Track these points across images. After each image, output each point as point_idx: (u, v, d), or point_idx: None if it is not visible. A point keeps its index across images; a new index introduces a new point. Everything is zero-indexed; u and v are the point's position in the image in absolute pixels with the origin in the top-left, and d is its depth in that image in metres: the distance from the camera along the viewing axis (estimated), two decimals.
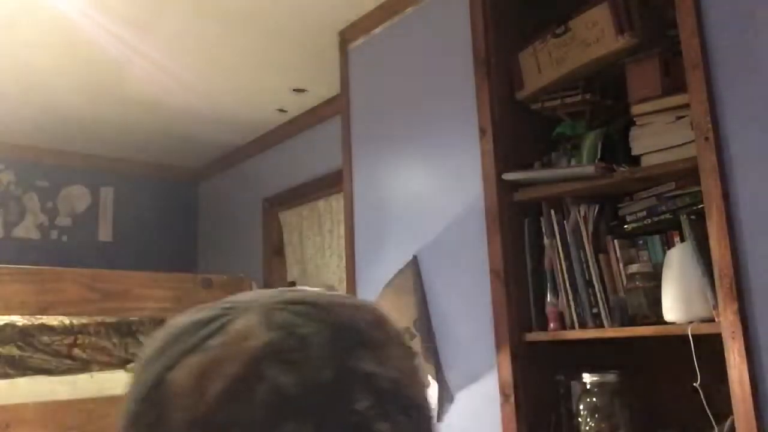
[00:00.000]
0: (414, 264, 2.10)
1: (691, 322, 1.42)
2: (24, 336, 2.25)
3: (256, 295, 0.47)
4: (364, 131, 2.43)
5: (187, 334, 0.43)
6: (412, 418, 0.42)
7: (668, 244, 1.59)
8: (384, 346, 0.44)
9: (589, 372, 1.66)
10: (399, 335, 0.47)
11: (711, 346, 1.40)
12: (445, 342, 1.99)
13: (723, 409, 1.39)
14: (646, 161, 1.57)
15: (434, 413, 0.43)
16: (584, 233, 1.69)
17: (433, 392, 1.98)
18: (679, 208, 1.56)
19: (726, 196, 1.37)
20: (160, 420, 0.40)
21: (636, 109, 1.60)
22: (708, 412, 1.41)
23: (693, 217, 1.49)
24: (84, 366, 2.35)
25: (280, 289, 0.49)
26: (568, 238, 1.71)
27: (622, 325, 1.58)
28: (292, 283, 3.50)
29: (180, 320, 0.45)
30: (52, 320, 2.30)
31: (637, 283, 1.56)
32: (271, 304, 0.44)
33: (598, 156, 1.66)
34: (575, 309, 1.68)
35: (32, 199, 3.89)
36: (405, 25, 2.29)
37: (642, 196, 1.66)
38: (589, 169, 1.63)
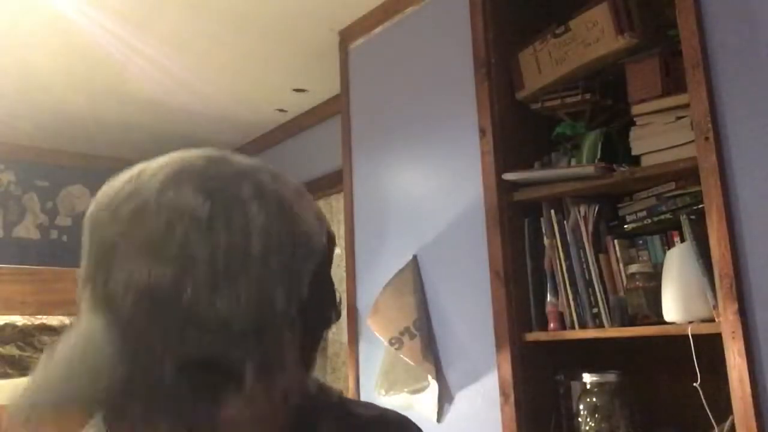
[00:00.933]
0: (414, 264, 2.10)
1: (691, 322, 1.42)
2: (24, 336, 2.25)
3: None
4: (364, 131, 2.43)
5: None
6: (283, 217, 0.56)
7: (668, 244, 1.59)
8: (279, 178, 0.61)
9: (589, 372, 1.66)
10: (295, 188, 0.64)
11: (711, 346, 1.40)
12: (445, 342, 1.99)
13: (723, 409, 1.39)
14: (646, 161, 1.57)
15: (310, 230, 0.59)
16: (584, 233, 1.69)
17: (432, 392, 1.98)
18: (679, 208, 1.56)
19: (726, 196, 1.37)
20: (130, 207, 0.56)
21: (636, 109, 1.60)
22: (708, 412, 1.41)
23: (693, 217, 1.49)
24: None
25: None
26: (568, 238, 1.71)
27: (622, 325, 1.58)
28: None
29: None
30: (52, 320, 2.30)
31: (637, 283, 1.56)
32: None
33: (598, 156, 1.66)
34: (575, 309, 1.68)
35: (32, 199, 3.89)
36: (405, 25, 2.29)
37: (642, 196, 1.65)
38: (589, 169, 1.63)
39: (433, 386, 1.98)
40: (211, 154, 0.59)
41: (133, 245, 0.52)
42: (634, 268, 1.58)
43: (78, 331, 0.54)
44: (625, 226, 1.67)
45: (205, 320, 0.50)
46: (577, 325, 1.67)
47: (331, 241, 0.62)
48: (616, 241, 1.65)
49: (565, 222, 1.72)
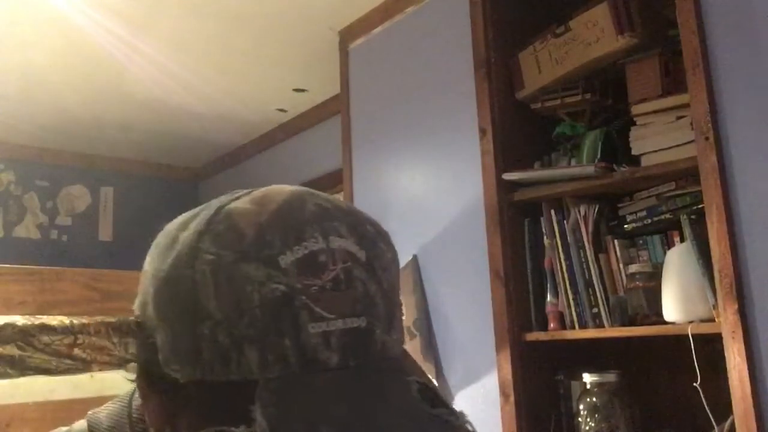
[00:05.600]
0: (414, 264, 2.10)
1: (691, 322, 1.42)
2: (24, 336, 2.25)
3: None
4: (364, 131, 2.43)
5: (221, 198, 0.54)
6: (393, 251, 0.55)
7: (668, 244, 1.59)
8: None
9: (589, 372, 1.66)
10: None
11: (711, 346, 1.40)
12: (445, 342, 1.99)
13: (723, 409, 1.39)
14: (646, 161, 1.57)
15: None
16: (584, 233, 1.69)
17: None
18: (679, 208, 1.56)
19: (726, 196, 1.37)
20: (229, 226, 0.48)
21: (636, 109, 1.60)
22: (708, 412, 1.41)
23: (693, 217, 1.49)
24: (84, 366, 2.35)
25: None
26: (568, 238, 1.71)
27: (622, 325, 1.58)
28: None
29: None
30: (52, 320, 2.30)
31: (637, 283, 1.56)
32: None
33: (598, 156, 1.66)
34: (575, 309, 1.68)
35: (32, 199, 3.89)
36: (405, 25, 2.29)
37: (642, 196, 1.66)
38: (589, 169, 1.63)
39: None
40: (323, 195, 0.55)
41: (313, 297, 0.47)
42: (634, 268, 1.58)
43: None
44: (625, 226, 1.67)
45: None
46: (577, 325, 1.67)
47: None
48: (616, 241, 1.66)
49: (565, 222, 1.72)
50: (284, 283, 0.46)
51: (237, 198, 0.52)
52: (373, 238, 0.52)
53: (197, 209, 0.55)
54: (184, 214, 0.56)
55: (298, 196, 0.51)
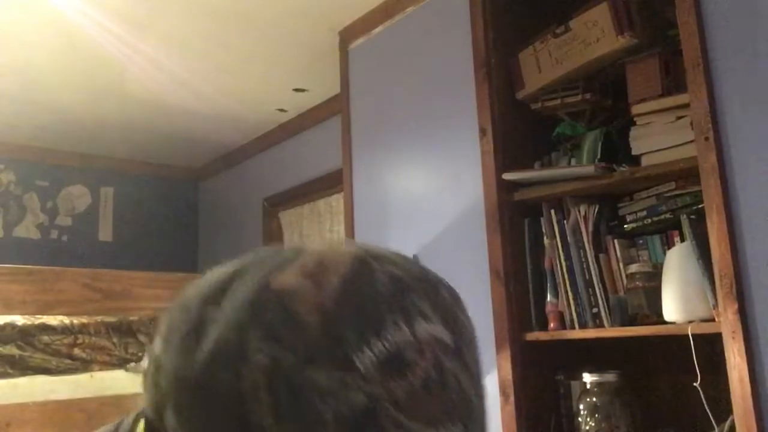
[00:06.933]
0: None
1: (691, 322, 1.42)
2: (24, 336, 2.25)
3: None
4: (364, 131, 2.43)
5: (258, 263, 0.42)
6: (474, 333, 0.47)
7: (668, 244, 1.59)
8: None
9: (589, 372, 1.66)
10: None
11: (711, 346, 1.40)
12: None
13: (723, 409, 1.39)
14: (646, 161, 1.57)
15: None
16: (584, 233, 1.69)
17: None
18: (679, 208, 1.56)
19: (726, 196, 1.37)
20: (284, 314, 0.37)
21: (636, 109, 1.60)
22: (708, 411, 1.41)
23: (693, 217, 1.49)
24: (84, 366, 2.35)
25: None
26: (568, 238, 1.71)
27: (622, 325, 1.58)
28: None
29: (224, 268, 0.44)
30: (52, 320, 2.31)
31: (637, 283, 1.56)
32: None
33: (598, 156, 1.66)
34: (575, 309, 1.68)
35: (32, 199, 3.89)
36: (405, 25, 2.29)
37: (642, 196, 1.65)
38: (589, 169, 1.63)
39: None
40: (388, 255, 0.45)
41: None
42: (634, 268, 1.58)
43: None
44: (625, 226, 1.67)
45: None
46: (577, 325, 1.67)
47: None
48: (616, 241, 1.65)
49: (565, 222, 1.72)
50: (365, 391, 0.35)
51: (282, 267, 0.41)
52: (453, 311, 0.44)
53: (224, 270, 0.43)
54: (206, 278, 0.43)
55: (362, 262, 0.41)
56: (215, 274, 0.43)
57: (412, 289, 0.41)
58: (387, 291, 0.40)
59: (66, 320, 2.36)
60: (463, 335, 0.44)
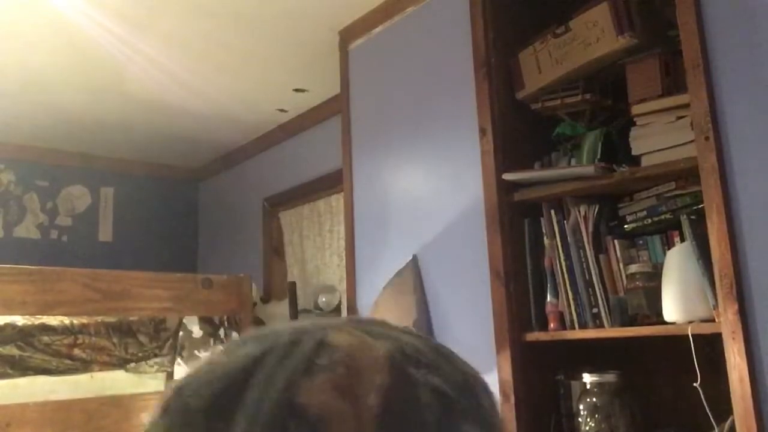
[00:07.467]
0: (414, 264, 2.10)
1: (691, 322, 1.42)
2: (24, 336, 2.25)
3: (306, 321, 0.42)
4: (364, 131, 2.43)
5: (276, 360, 0.35)
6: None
7: (668, 244, 1.59)
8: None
9: (589, 372, 1.66)
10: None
11: (711, 346, 1.40)
12: (445, 342, 1.97)
13: (723, 409, 1.39)
14: (646, 161, 1.57)
15: None
16: (584, 233, 1.69)
17: None
18: (679, 208, 1.56)
19: (726, 196, 1.37)
20: None
21: (636, 109, 1.60)
22: (708, 412, 1.41)
23: (693, 217, 1.49)
24: (84, 366, 2.35)
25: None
26: (568, 238, 1.71)
27: (622, 325, 1.58)
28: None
29: (236, 351, 0.37)
30: (52, 320, 2.30)
31: (637, 283, 1.56)
32: (340, 322, 0.40)
33: (598, 156, 1.66)
34: (575, 309, 1.68)
35: (32, 199, 3.89)
36: (405, 25, 2.29)
37: (642, 196, 1.65)
38: (589, 169, 1.63)
39: None
40: (422, 349, 0.40)
41: None
42: (634, 268, 1.58)
43: None
44: (625, 226, 1.67)
45: None
46: (577, 325, 1.67)
47: None
48: (616, 241, 1.65)
49: (565, 222, 1.72)
50: None
51: (308, 372, 0.34)
52: (493, 421, 0.39)
53: (231, 363, 0.36)
54: (207, 370, 0.36)
55: (400, 370, 0.35)
56: (219, 367, 0.36)
57: (458, 410, 0.36)
58: (433, 415, 0.35)
59: (66, 320, 2.36)
60: None
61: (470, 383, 0.40)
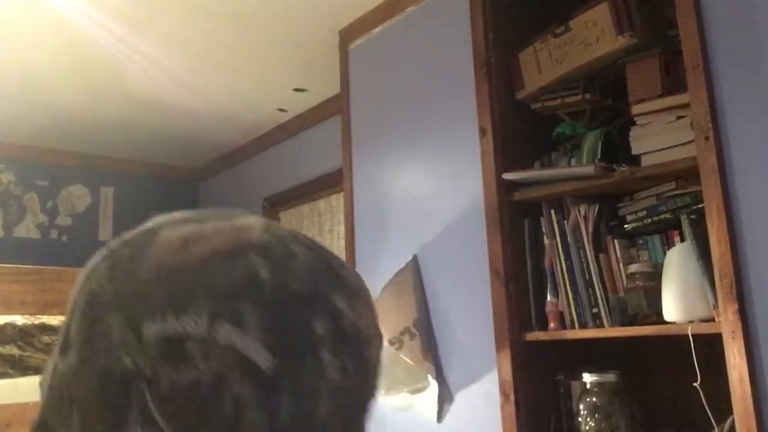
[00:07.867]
0: (414, 264, 2.10)
1: (691, 322, 1.42)
2: (24, 336, 2.25)
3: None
4: (364, 131, 2.43)
5: (192, 216, 0.45)
6: (359, 370, 0.42)
7: (668, 244, 1.59)
8: (358, 297, 0.44)
9: (589, 372, 1.66)
10: (371, 297, 0.47)
11: (711, 345, 1.40)
12: (445, 342, 1.99)
13: (723, 409, 1.39)
14: (646, 161, 1.57)
15: (379, 380, 0.44)
16: (584, 233, 1.69)
17: (432, 392, 1.98)
18: (679, 208, 1.56)
19: (726, 196, 1.37)
20: (139, 257, 0.39)
21: (636, 109, 1.60)
22: (708, 411, 1.41)
23: (693, 217, 1.49)
24: None
25: None
26: (568, 238, 1.71)
27: (622, 325, 1.58)
28: None
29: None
30: (52, 320, 2.30)
31: (637, 282, 1.56)
32: (271, 224, 0.46)
33: (598, 156, 1.66)
34: (575, 309, 1.68)
35: (32, 199, 3.89)
36: (405, 25, 2.29)
37: (642, 196, 1.66)
38: (589, 169, 1.63)
39: (433, 386, 1.97)
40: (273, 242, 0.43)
41: None
42: (634, 268, 1.58)
43: None
44: (625, 226, 1.67)
45: None
46: (577, 325, 1.67)
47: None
48: (616, 241, 1.65)
49: (565, 222, 1.72)
50: (133, 357, 0.36)
51: (192, 221, 0.44)
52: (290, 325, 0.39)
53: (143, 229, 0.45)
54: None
55: (243, 251, 0.40)
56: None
57: (261, 301, 0.38)
58: (232, 288, 0.38)
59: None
60: (299, 378, 0.38)
61: (299, 299, 0.41)
